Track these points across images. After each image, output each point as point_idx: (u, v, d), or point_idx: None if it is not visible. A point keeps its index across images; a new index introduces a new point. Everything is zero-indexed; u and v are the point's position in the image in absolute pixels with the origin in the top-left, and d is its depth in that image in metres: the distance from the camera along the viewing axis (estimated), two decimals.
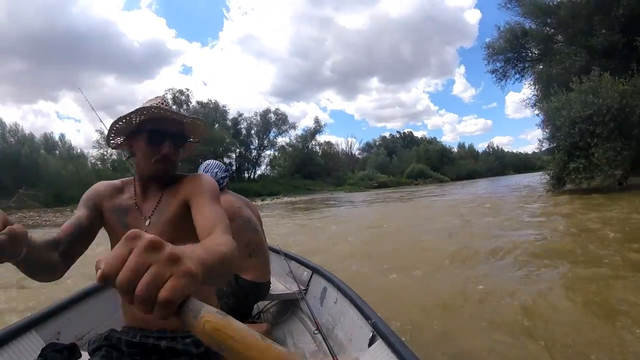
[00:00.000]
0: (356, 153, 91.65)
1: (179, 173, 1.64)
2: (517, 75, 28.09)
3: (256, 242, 3.02)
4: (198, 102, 66.78)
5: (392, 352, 1.83)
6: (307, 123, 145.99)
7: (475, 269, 5.90)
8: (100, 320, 2.62)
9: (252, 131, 72.24)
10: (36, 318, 2.25)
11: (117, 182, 1.66)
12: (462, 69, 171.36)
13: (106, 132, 1.55)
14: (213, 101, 69.43)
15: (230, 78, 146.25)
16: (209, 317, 0.58)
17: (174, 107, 4.00)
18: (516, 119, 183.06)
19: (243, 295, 2.90)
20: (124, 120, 1.48)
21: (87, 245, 1.47)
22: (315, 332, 2.54)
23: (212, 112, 67.52)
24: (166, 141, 1.50)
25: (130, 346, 1.51)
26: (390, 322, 2.23)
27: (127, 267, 0.58)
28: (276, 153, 75.59)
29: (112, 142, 1.60)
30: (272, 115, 72.97)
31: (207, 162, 3.15)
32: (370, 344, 2.06)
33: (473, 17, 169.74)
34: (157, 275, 0.58)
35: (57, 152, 47.91)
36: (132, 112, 1.45)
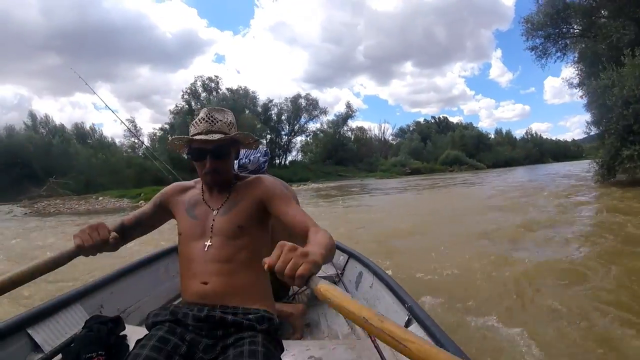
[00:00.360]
0: (389, 139, 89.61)
1: (242, 174, 1.89)
2: (559, 53, 25.63)
3: None
4: (228, 89, 66.19)
5: (427, 335, 1.84)
6: (341, 109, 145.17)
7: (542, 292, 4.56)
8: (141, 296, 2.83)
9: (283, 117, 71.68)
10: (81, 291, 2.42)
11: (190, 182, 1.90)
12: (499, 52, 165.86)
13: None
14: (243, 87, 68.88)
15: (263, 65, 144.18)
16: (323, 285, 1.03)
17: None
18: (555, 105, 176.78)
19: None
20: (175, 143, 1.76)
21: (146, 233, 1.85)
22: None
23: (242, 98, 66.91)
24: (207, 158, 1.67)
25: (197, 320, 1.53)
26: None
27: (281, 260, 1.08)
28: (308, 139, 74.89)
29: (178, 150, 1.79)
30: (302, 100, 71.91)
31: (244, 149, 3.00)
32: (406, 327, 1.74)
33: None
34: (296, 263, 1.07)
35: (90, 141, 48.76)
36: (173, 140, 1.75)
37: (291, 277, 1.06)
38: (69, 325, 2.17)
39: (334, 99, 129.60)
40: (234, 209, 1.69)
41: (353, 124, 78.04)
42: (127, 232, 1.73)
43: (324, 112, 73.46)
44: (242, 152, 3.03)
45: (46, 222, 19.14)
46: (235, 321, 1.52)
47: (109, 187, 35.07)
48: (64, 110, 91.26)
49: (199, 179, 1.82)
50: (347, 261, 3.55)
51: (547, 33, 25.00)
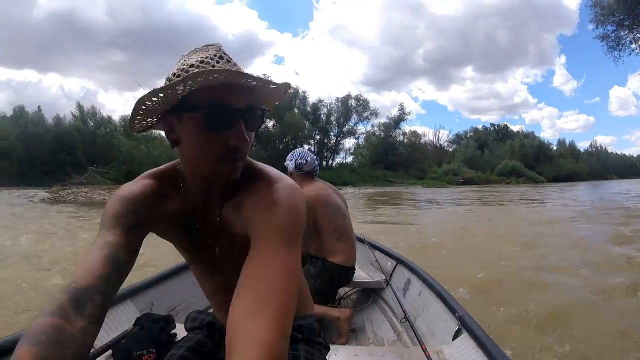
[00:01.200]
0: (445, 145, 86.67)
1: (255, 163, 1.08)
2: (635, 45, 21.99)
3: (345, 227, 3.06)
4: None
5: (478, 347, 1.82)
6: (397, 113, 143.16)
7: None
8: (190, 295, 2.80)
9: (332, 118, 70.16)
10: (133, 289, 2.42)
11: (148, 180, 1.07)
12: (563, 58, 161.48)
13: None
14: (294, 87, 67.47)
15: (322, 67, 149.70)
16: None
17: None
18: (620, 117, 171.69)
19: (329, 278, 2.95)
20: (160, 96, 0.87)
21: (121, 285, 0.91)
22: (403, 320, 2.52)
23: (292, 97, 65.90)
24: (236, 124, 0.90)
25: None
26: None
27: None
28: (359, 141, 73.38)
29: (137, 125, 0.97)
30: (352, 101, 70.08)
31: (300, 150, 3.14)
32: (455, 337, 2.03)
33: (573, 1, 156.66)
34: None
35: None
36: (177, 83, 0.83)
37: None
38: (121, 322, 2.17)
39: (391, 103, 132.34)
40: (235, 244, 1.03)
41: (408, 128, 75.85)
42: (101, 301, 0.80)
43: (375, 114, 71.72)
44: (297, 153, 3.08)
45: (51, 209, 19.01)
46: None
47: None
48: (128, 104, 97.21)
49: (166, 169, 1.10)
50: (395, 267, 3.39)
51: (619, 19, 21.44)
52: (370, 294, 3.44)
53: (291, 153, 3.12)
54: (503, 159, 73.47)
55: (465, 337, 1.99)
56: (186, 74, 0.85)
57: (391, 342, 2.68)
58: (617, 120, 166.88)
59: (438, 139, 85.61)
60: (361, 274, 3.46)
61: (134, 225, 0.97)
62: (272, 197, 0.94)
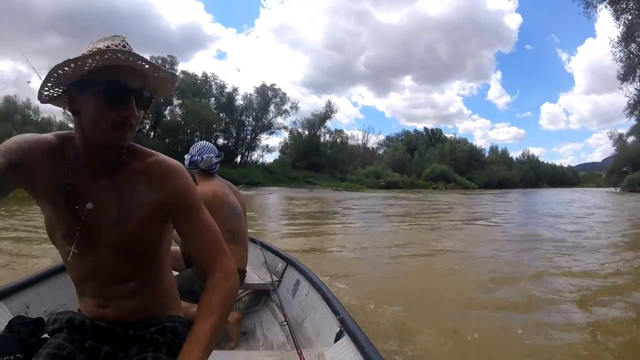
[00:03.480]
0: (375, 147, 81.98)
1: (139, 146, 1.31)
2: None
3: (238, 229, 2.98)
4: (183, 72, 58.24)
5: (356, 349, 1.82)
6: (338, 117, 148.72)
7: None
8: (70, 298, 2.42)
9: (252, 110, 63.53)
10: (5, 289, 2.29)
11: (50, 137, 1.23)
12: (499, 74, 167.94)
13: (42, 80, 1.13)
14: (208, 74, 61.87)
15: (264, 66, 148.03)
16: None
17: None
18: (550, 131, 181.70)
19: None
20: (71, 66, 1.06)
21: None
22: (283, 323, 2.50)
23: (202, 84, 59.78)
24: (129, 100, 1.12)
25: (96, 329, 1.33)
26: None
27: None
28: (285, 138, 68.73)
29: (45, 93, 1.15)
30: (269, 92, 63.38)
31: (201, 144, 3.06)
32: (336, 339, 2.04)
33: (513, 21, 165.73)
34: None
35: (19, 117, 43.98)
36: (88, 55, 1.04)
37: None
38: None
39: (334, 109, 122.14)
40: (130, 215, 1.22)
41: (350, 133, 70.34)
42: None
43: (295, 107, 65.50)
44: (196, 147, 3.03)
45: None
46: (136, 334, 1.33)
47: None
48: None
49: (63, 134, 1.25)
50: (286, 268, 3.41)
51: None
52: (262, 295, 3.44)
53: (192, 146, 3.06)
54: (432, 163, 69.21)
55: (345, 339, 1.97)
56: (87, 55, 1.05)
57: (280, 345, 2.68)
58: (546, 134, 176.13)
59: (367, 141, 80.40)
60: (252, 276, 3.45)
61: (17, 165, 1.12)
62: (174, 177, 1.24)
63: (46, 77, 1.09)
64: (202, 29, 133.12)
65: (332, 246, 8.69)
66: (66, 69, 1.06)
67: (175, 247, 2.84)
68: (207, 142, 3.11)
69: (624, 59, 24.93)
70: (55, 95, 1.16)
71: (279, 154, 68.82)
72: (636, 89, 28.09)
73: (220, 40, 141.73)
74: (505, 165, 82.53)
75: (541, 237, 9.88)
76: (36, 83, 1.13)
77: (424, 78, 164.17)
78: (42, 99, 1.16)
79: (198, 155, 2.94)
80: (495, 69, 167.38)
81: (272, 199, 29.37)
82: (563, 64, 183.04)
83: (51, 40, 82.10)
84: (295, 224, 13.25)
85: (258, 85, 64.02)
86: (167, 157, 1.29)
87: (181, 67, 65.20)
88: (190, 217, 1.25)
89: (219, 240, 1.28)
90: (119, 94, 1.10)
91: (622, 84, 28.92)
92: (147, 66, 1.11)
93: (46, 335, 1.60)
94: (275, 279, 3.32)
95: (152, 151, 1.29)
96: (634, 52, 20.14)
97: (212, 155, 2.99)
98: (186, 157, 2.97)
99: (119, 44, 1.10)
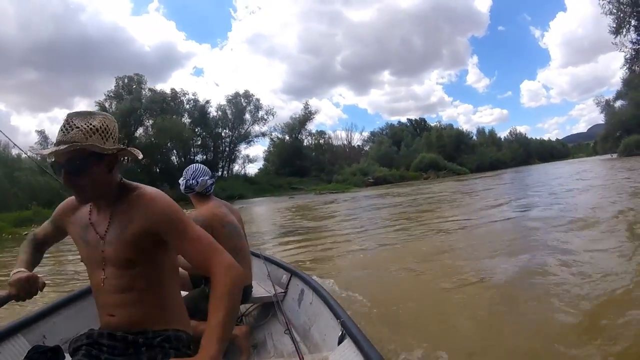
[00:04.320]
0: (359, 144, 79.21)
1: (128, 182, 1.61)
2: None
3: (240, 246, 3.06)
4: (151, 90, 55.37)
5: (358, 350, 1.87)
6: (321, 119, 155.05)
7: None
8: (85, 325, 2.41)
9: (227, 121, 60.92)
10: (23, 322, 2.38)
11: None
12: (475, 58, 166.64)
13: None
14: (178, 90, 58.72)
15: (242, 78, 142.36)
16: None
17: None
18: (532, 108, 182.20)
19: None
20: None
21: (53, 244, 1.90)
22: (285, 331, 2.62)
23: (172, 100, 56.94)
24: (62, 173, 1.46)
25: (111, 339, 1.55)
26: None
27: None
28: (267, 146, 66.74)
29: None
30: (241, 99, 60.77)
31: (194, 167, 3.11)
32: (339, 343, 2.09)
33: (483, 5, 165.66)
34: None
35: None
36: (38, 154, 1.57)
37: None
38: (12, 356, 2.14)
39: (314, 110, 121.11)
40: (120, 237, 1.52)
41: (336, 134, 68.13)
42: (37, 259, 1.82)
43: (271, 113, 62.81)
44: (189, 171, 3.07)
45: None
46: (145, 342, 1.54)
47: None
48: (42, 125, 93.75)
49: None
50: (290, 279, 3.52)
51: None
52: (270, 307, 3.49)
53: (185, 170, 3.13)
54: (420, 153, 66.50)
55: (347, 341, 2.02)
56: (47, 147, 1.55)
57: (289, 354, 2.70)
58: (529, 111, 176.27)
59: (351, 139, 77.59)
60: (259, 289, 3.55)
61: (59, 225, 1.74)
62: (156, 206, 1.50)
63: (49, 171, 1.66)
64: (176, 48, 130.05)
65: None
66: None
67: (182, 271, 2.57)
68: (200, 165, 3.13)
69: (614, 11, 22.74)
70: None
71: (263, 163, 66.44)
72: (631, 41, 26.36)
73: (196, 56, 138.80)
74: (495, 147, 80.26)
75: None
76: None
77: (402, 71, 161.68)
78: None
79: (193, 179, 3.00)
80: (471, 53, 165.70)
81: (244, 213, 25.45)
82: (537, 41, 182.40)
83: (27, 76, 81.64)
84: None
85: (230, 94, 61.34)
86: (147, 188, 1.58)
87: (159, 87, 63.06)
88: (179, 233, 1.46)
89: (211, 242, 1.46)
90: (58, 170, 1.46)
91: (615, 37, 27.66)
92: (58, 149, 1.39)
93: None
94: (281, 290, 3.42)
95: (136, 184, 1.59)
96: (624, 1, 17.80)
97: (206, 177, 3.04)
98: (181, 182, 3.06)
99: (62, 125, 1.44)
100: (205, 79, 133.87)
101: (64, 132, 1.40)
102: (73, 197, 1.61)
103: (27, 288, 1.57)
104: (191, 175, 3.02)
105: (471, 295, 4.64)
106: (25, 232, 22.78)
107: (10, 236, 21.80)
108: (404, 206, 17.83)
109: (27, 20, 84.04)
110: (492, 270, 5.54)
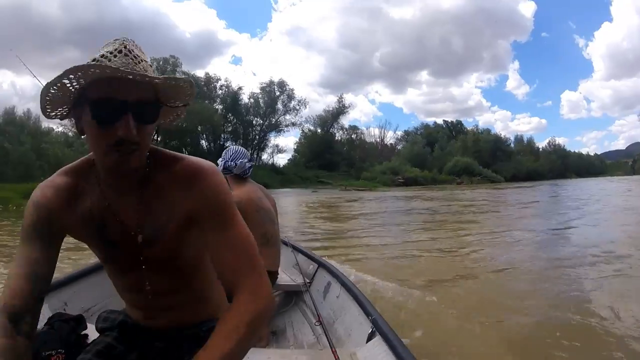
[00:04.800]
0: (392, 142, 77.24)
1: (165, 150, 1.18)
2: None
3: (272, 232, 3.05)
4: (184, 73, 54.23)
5: (389, 349, 1.84)
6: (356, 115, 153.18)
7: None
8: (106, 295, 2.65)
9: (259, 109, 60.38)
10: None
11: (62, 177, 1.15)
12: (516, 64, 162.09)
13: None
14: (211, 74, 59.23)
15: (279, 69, 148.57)
16: None
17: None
18: (572, 120, 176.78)
19: None
20: (55, 88, 0.96)
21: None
22: (316, 323, 2.54)
23: (204, 86, 56.81)
24: (123, 116, 0.96)
25: (149, 330, 1.33)
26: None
27: None
28: (299, 137, 65.66)
29: (50, 113, 1.04)
30: (275, 88, 59.78)
31: (234, 149, 3.02)
32: (368, 340, 2.07)
33: (528, 9, 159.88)
34: None
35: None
36: (63, 74, 0.92)
37: None
38: None
39: (347, 104, 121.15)
40: (164, 231, 1.13)
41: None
42: (34, 315, 1.04)
43: (303, 103, 61.91)
44: (229, 152, 2.99)
45: None
46: (189, 335, 1.32)
47: (14, 181, 28.89)
48: None
49: (78, 164, 1.17)
50: (317, 270, 3.44)
51: None
52: (292, 296, 3.50)
53: (225, 151, 3.06)
54: (454, 156, 64.29)
55: (377, 339, 2.00)
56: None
57: (310, 345, 2.72)
58: (568, 123, 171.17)
59: (383, 136, 75.89)
60: (283, 277, 3.52)
61: (48, 234, 1.08)
62: (204, 180, 1.08)
63: (40, 102, 0.98)
64: (217, 36, 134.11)
65: None
66: (52, 91, 0.95)
67: None
68: (240, 147, 3.11)
69: None
70: (63, 113, 1.05)
71: (293, 154, 65.95)
72: None
73: (235, 45, 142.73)
74: (533, 156, 76.93)
75: None
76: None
77: (440, 72, 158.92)
78: (52, 118, 1.05)
79: (231, 161, 2.93)
80: (512, 58, 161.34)
81: None
82: (581, 50, 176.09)
83: (67, 54, 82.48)
84: None
85: (265, 82, 60.75)
86: (194, 158, 1.15)
87: (198, 74, 62.80)
88: (220, 224, 1.08)
89: (254, 254, 1.09)
90: (111, 111, 0.95)
91: None
92: (129, 77, 0.92)
93: (86, 332, 1.68)
94: (307, 280, 3.35)
95: (178, 154, 1.16)
96: None
97: (245, 160, 2.99)
98: (219, 162, 2.96)
99: (114, 51, 0.96)
100: (243, 67, 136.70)
101: (132, 59, 0.96)
102: (48, 185, 1.12)
103: None
104: (230, 156, 2.94)
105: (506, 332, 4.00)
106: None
107: (15, 208, 21.14)
108: (434, 213, 15.99)
109: (69, 2, 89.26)
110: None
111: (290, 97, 60.33)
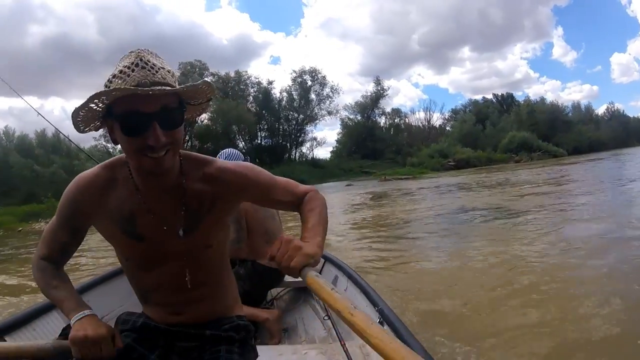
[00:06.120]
0: (440, 124, 71.90)
1: (196, 154, 1.39)
2: None
3: (274, 230, 3.15)
4: (212, 74, 53.72)
5: (396, 337, 1.71)
6: (401, 100, 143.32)
7: None
8: (120, 302, 2.72)
9: (293, 102, 57.38)
10: None
11: (100, 170, 1.31)
12: (560, 30, 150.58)
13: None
14: (239, 71, 56.79)
15: (318, 63, 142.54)
16: (311, 277, 1.08)
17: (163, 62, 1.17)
18: (624, 84, 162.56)
19: (258, 280, 3.09)
20: (83, 111, 1.11)
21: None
22: (325, 317, 2.65)
23: (234, 83, 55.05)
24: (150, 126, 1.10)
25: (170, 331, 1.43)
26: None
27: (280, 252, 1.11)
28: (338, 128, 62.40)
29: (84, 129, 1.20)
30: (307, 77, 56.50)
31: (227, 152, 3.14)
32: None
33: None
34: (290, 256, 1.10)
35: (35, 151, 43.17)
36: (88, 100, 1.08)
37: (286, 267, 1.11)
38: (46, 333, 2.20)
39: (392, 91, 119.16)
40: (199, 223, 1.32)
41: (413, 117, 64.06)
42: (62, 265, 1.42)
43: (336, 90, 57.87)
44: (222, 156, 3.07)
45: None
46: (213, 335, 1.44)
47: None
48: None
49: (115, 160, 1.33)
50: (323, 265, 3.39)
51: None
52: (301, 293, 3.53)
53: (218, 155, 3.10)
54: (508, 132, 57.86)
55: (385, 329, 1.93)
56: (106, 87, 1.08)
57: (321, 339, 2.75)
58: (620, 87, 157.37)
59: (429, 118, 70.67)
60: None
61: (77, 225, 1.32)
62: (238, 174, 1.34)
63: (72, 122, 1.14)
64: (252, 38, 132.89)
65: None
66: (82, 112, 1.10)
67: None
68: (233, 150, 3.19)
69: None
70: (97, 127, 1.20)
71: (335, 146, 62.48)
72: None
73: (272, 45, 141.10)
74: (593, 125, 68.89)
75: None
76: None
77: (482, 46, 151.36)
78: (85, 132, 1.21)
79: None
80: (555, 24, 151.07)
81: None
82: (624, 8, 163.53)
83: (110, 74, 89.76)
84: None
85: (296, 72, 57.59)
86: (219, 161, 1.39)
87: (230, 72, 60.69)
88: (269, 187, 1.39)
89: (290, 180, 1.47)
90: (137, 123, 1.08)
91: None
92: (149, 92, 1.04)
93: None
94: None
95: (209, 157, 1.38)
96: None
97: (240, 161, 2.97)
98: None
99: (131, 65, 1.08)
100: (283, 66, 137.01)
101: (149, 70, 1.07)
102: (85, 177, 1.29)
103: (93, 353, 1.21)
104: (225, 159, 2.79)
105: None
106: (20, 229, 20.44)
107: (1, 232, 19.87)
108: (509, 216, 9.33)
109: (106, 25, 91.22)
110: None
111: (323, 84, 56.92)
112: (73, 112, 1.10)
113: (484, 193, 16.07)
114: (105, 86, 1.08)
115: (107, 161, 1.31)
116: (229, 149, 3.16)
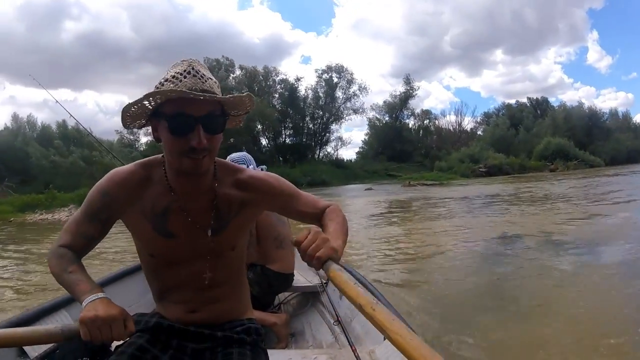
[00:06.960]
0: (471, 127, 69.11)
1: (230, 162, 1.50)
2: None
3: (284, 235, 3.13)
4: (241, 67, 53.37)
5: None
6: (431, 103, 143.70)
7: None
8: (130, 302, 2.74)
9: (318, 99, 55.66)
10: (67, 297, 2.41)
11: (136, 167, 1.38)
12: (595, 34, 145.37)
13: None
14: (267, 67, 55.42)
15: (348, 63, 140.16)
16: (334, 270, 1.08)
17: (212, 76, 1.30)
18: None
19: (267, 285, 3.05)
20: (135, 107, 1.23)
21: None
22: (335, 323, 2.67)
23: (260, 79, 53.85)
24: (195, 129, 1.19)
25: (183, 331, 1.44)
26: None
27: (308, 239, 1.13)
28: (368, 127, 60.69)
29: (130, 125, 1.32)
30: (333, 74, 54.76)
31: (237, 155, 3.10)
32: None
33: None
34: (318, 245, 1.12)
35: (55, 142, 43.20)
36: (143, 98, 1.19)
37: (312, 257, 1.12)
38: None
39: (424, 93, 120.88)
40: (228, 225, 1.41)
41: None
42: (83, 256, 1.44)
43: (364, 88, 55.52)
44: (233, 157, 3.07)
45: None
46: (225, 336, 1.47)
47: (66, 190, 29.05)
48: None
49: (151, 160, 1.39)
50: None
51: None
52: (309, 297, 3.55)
53: (228, 158, 2.96)
54: (543, 138, 54.24)
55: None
56: (157, 89, 1.17)
57: (329, 345, 2.78)
58: None
59: (461, 121, 68.01)
60: (300, 278, 3.55)
61: (105, 218, 1.34)
62: (266, 183, 1.44)
63: (121, 118, 1.25)
64: (284, 38, 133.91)
65: None
66: (133, 109, 1.21)
67: None
68: (243, 153, 3.17)
69: None
70: (142, 124, 1.30)
71: (361, 146, 61.30)
72: None
73: (303, 45, 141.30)
74: (631, 133, 63.84)
75: None
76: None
77: (516, 49, 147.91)
78: (131, 128, 1.34)
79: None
80: (590, 28, 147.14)
81: None
82: None
83: (143, 71, 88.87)
84: None
85: (322, 69, 56.06)
86: (249, 170, 1.49)
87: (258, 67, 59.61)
88: (294, 199, 1.46)
89: (312, 196, 1.52)
90: (184, 124, 1.17)
91: None
92: (201, 97, 1.14)
93: None
94: (323, 280, 3.35)
95: (241, 167, 1.49)
96: None
97: (251, 166, 3.03)
98: None
99: (183, 72, 1.17)
100: (313, 66, 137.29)
101: (199, 79, 1.18)
102: (121, 172, 1.35)
103: (104, 335, 1.18)
104: (234, 162, 2.74)
105: None
106: (11, 219, 19.93)
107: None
108: (554, 245, 7.55)
109: (140, 23, 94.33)
110: None
111: (350, 82, 54.87)
112: (125, 107, 1.20)
113: (528, 211, 13.13)
114: (156, 88, 1.17)
115: (143, 160, 1.37)
116: (239, 153, 3.11)
